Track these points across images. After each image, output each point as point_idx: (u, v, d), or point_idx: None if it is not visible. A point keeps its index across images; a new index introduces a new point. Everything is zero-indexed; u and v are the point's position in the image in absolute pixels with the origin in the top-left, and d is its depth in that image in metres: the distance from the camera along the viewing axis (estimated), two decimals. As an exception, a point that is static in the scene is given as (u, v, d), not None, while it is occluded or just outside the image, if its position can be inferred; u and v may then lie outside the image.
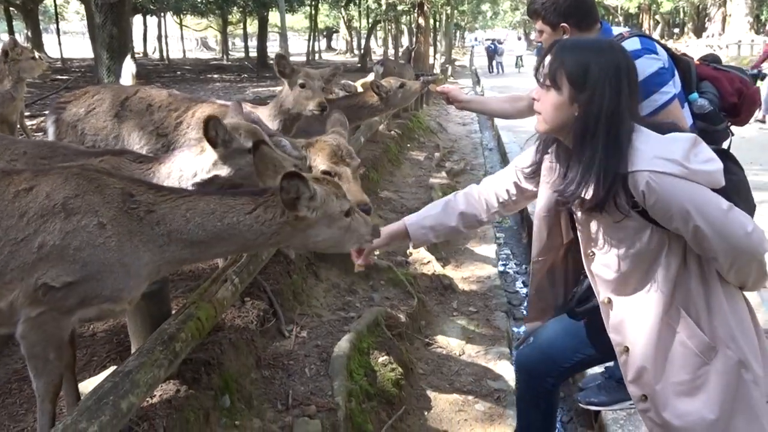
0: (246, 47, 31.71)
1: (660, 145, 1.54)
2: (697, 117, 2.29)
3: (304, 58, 25.50)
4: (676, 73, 2.24)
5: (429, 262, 4.71)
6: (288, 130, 3.84)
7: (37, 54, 6.35)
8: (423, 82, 5.35)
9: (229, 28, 33.44)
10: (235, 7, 26.08)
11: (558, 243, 1.91)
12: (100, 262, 1.73)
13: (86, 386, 2.19)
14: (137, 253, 1.79)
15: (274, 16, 28.21)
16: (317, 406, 2.64)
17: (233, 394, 2.53)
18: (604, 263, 1.71)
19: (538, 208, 1.91)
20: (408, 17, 30.02)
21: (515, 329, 4.28)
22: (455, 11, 33.67)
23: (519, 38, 36.77)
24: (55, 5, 25.52)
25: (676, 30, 40.39)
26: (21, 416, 2.21)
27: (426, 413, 3.08)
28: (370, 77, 8.22)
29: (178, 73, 20.11)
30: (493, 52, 27.83)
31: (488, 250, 5.41)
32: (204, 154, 2.46)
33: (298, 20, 43.95)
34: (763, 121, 10.71)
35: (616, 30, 2.29)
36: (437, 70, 20.35)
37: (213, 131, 2.34)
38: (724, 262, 1.54)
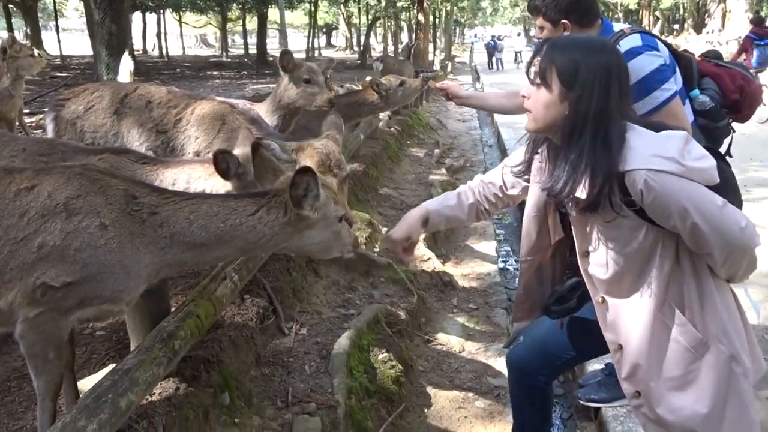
0: (245, 44, 31.73)
1: (655, 143, 1.54)
2: (699, 114, 2.29)
3: (303, 55, 25.46)
4: (677, 69, 2.23)
5: (429, 259, 4.69)
6: (287, 125, 3.83)
7: (36, 51, 6.33)
8: (423, 79, 5.34)
9: (229, 25, 33.43)
10: (234, 4, 26.09)
11: (546, 243, 1.92)
12: (100, 263, 1.73)
13: (85, 384, 2.18)
14: (138, 254, 1.79)
15: (273, 13, 28.25)
16: (317, 404, 2.64)
17: (233, 392, 2.53)
18: (598, 262, 1.71)
19: (528, 207, 1.93)
20: (407, 14, 30.04)
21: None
22: (455, 8, 33.68)
23: (518, 34, 36.72)
24: (54, 2, 25.52)
25: (676, 26, 40.26)
26: (20, 414, 2.21)
27: (426, 410, 3.08)
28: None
29: (178, 70, 20.11)
30: (492, 49, 27.79)
31: (488, 246, 5.41)
32: (215, 177, 2.36)
33: (297, 17, 44.03)
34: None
35: (617, 27, 2.27)
36: (437, 66, 20.31)
37: (224, 164, 2.23)
38: (718, 257, 1.55)
